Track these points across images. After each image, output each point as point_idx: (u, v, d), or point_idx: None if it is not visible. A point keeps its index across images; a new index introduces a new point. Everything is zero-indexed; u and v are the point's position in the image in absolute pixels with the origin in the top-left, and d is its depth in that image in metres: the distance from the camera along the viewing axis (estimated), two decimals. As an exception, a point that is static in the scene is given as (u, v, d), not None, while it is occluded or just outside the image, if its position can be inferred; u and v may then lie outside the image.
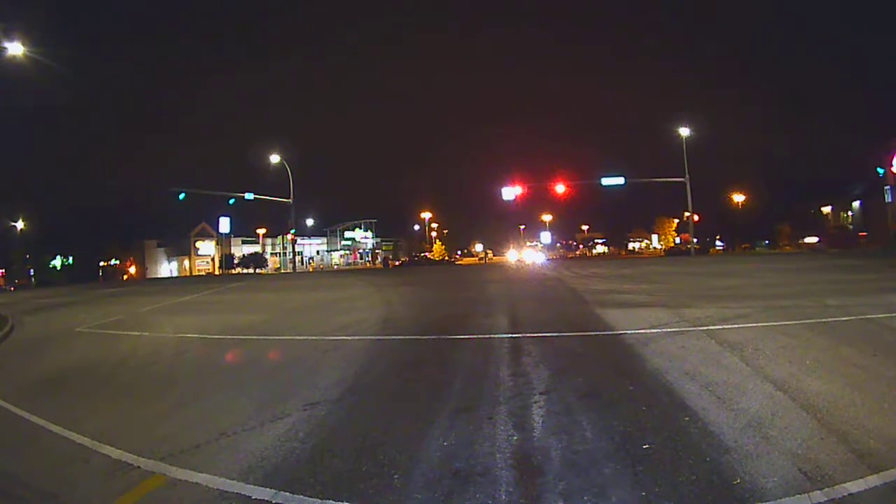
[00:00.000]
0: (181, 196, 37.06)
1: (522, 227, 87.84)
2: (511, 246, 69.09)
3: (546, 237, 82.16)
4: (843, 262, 19.17)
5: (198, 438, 4.06)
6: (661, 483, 2.96)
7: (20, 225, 50.73)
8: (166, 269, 61.45)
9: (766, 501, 2.74)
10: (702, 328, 7.03)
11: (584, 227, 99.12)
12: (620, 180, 38.85)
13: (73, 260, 64.38)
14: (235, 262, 58.14)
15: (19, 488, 3.49)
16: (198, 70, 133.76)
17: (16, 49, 14.21)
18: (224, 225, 50.62)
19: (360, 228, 71.07)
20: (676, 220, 73.27)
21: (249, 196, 39.19)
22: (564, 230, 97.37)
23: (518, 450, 3.53)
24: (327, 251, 69.31)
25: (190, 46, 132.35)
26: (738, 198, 50.80)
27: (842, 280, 12.58)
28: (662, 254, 58.90)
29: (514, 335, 7.32)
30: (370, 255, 70.85)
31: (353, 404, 4.75)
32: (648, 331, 7.04)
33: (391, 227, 77.72)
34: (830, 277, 13.26)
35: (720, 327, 7.02)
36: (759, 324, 7.20)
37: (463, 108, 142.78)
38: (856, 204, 45.33)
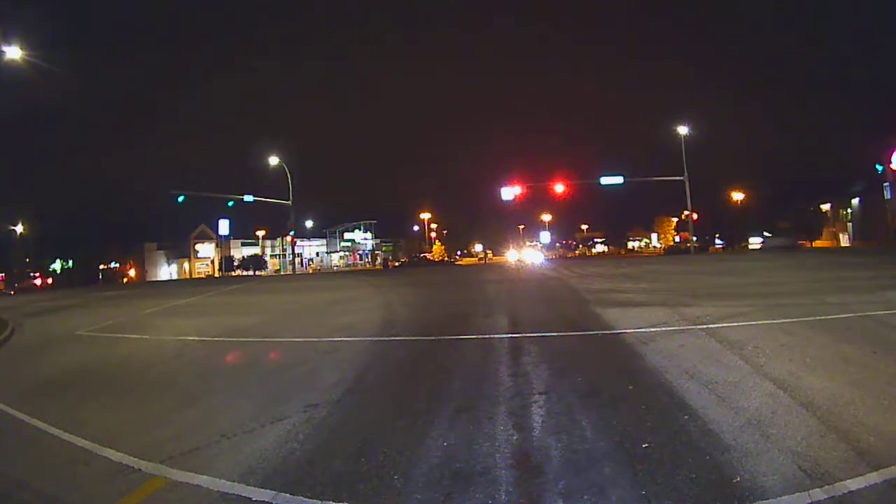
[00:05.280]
0: (181, 199, 37.00)
1: (522, 227, 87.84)
2: (511, 246, 68.89)
3: (546, 237, 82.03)
4: (842, 259, 19.18)
5: (198, 440, 4.07)
6: (661, 482, 2.96)
7: (20, 229, 50.77)
8: (166, 271, 61.42)
9: (766, 499, 2.74)
10: (701, 327, 7.03)
11: (584, 227, 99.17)
12: (619, 179, 38.82)
13: (73, 263, 64.39)
14: (235, 264, 58.10)
15: (21, 491, 3.50)
16: (197, 72, 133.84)
17: (14, 52, 14.21)
18: (223, 227, 50.64)
19: (360, 229, 70.96)
20: (676, 219, 73.29)
21: (249, 198, 39.18)
22: (564, 230, 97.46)
23: (518, 449, 3.53)
24: (327, 253, 69.28)
25: (189, 48, 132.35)
26: (738, 196, 50.80)
27: (841, 277, 12.58)
28: (662, 252, 58.89)
29: (513, 335, 7.33)
30: (370, 256, 70.81)
31: (353, 405, 4.76)
32: (648, 330, 7.04)
33: (391, 227, 77.61)
34: (830, 275, 13.26)
35: (720, 326, 7.03)
36: (759, 322, 7.20)
37: (463, 108, 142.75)
38: (855, 201, 45.34)
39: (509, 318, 8.87)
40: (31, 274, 54.86)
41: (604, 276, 16.60)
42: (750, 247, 45.07)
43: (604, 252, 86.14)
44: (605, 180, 38.77)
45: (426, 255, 62.66)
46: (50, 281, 55.82)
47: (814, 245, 43.38)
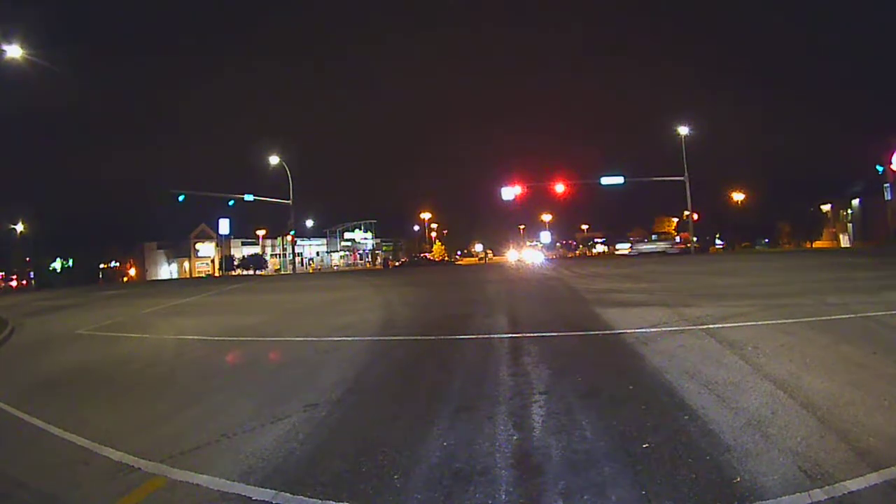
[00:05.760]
0: (181, 198, 37.02)
1: (522, 226, 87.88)
2: (511, 246, 68.91)
3: (546, 237, 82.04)
4: (842, 259, 19.18)
5: (198, 440, 4.07)
6: (661, 482, 2.96)
7: (20, 227, 50.75)
8: (166, 270, 61.43)
9: (766, 500, 2.74)
10: (701, 327, 7.03)
11: (584, 227, 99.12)
12: (620, 179, 38.79)
13: (73, 262, 64.35)
14: (235, 263, 58.13)
15: (20, 491, 3.50)
16: (197, 71, 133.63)
17: (14, 52, 14.21)
18: (224, 226, 50.68)
19: (360, 229, 70.97)
20: (676, 219, 73.22)
21: (249, 197, 39.18)
22: (564, 230, 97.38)
23: (518, 449, 3.53)
24: (327, 252, 69.31)
25: (189, 47, 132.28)
26: (738, 196, 50.76)
27: (842, 278, 12.57)
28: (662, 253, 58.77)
29: (513, 335, 7.33)
30: (370, 255, 70.83)
31: (353, 405, 4.76)
32: (648, 330, 7.04)
33: (391, 227, 77.58)
34: (830, 275, 13.25)
35: (720, 326, 7.02)
36: (759, 322, 7.20)
37: (463, 108, 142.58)
38: (855, 202, 45.32)
39: (509, 318, 8.87)
40: (9, 277, 53.82)
41: (604, 275, 16.60)
42: (617, 252, 44.05)
43: (604, 252, 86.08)
44: (605, 180, 38.75)
45: (426, 254, 62.64)
46: (24, 282, 54.16)
47: (813, 245, 43.37)
